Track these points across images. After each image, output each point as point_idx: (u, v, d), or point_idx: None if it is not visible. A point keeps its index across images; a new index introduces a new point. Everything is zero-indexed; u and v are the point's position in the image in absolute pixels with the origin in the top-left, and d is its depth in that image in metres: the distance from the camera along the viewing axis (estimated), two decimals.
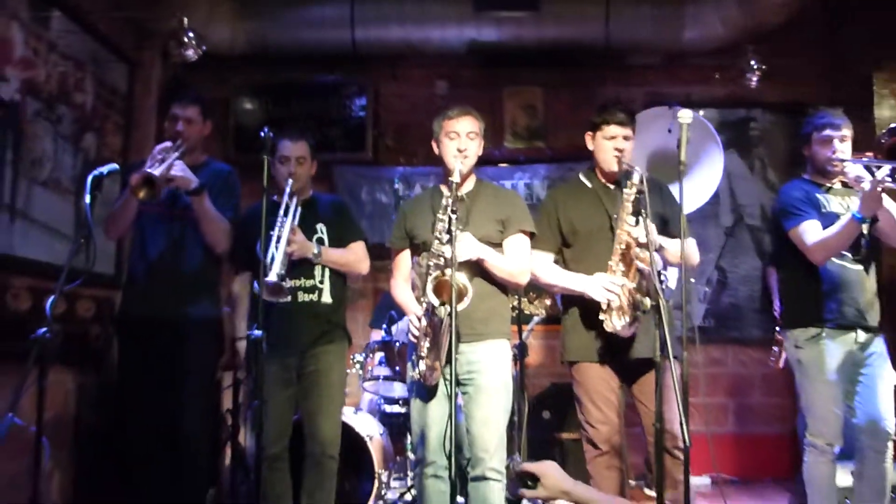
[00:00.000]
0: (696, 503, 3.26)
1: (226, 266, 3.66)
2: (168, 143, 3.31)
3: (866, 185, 3.08)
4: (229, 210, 3.46)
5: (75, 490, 4.31)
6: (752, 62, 5.20)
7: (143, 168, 3.12)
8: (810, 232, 3.27)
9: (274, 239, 3.17)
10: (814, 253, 3.27)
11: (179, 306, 3.39)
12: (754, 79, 5.23)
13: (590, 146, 3.31)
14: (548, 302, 5.44)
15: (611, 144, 3.18)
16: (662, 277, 2.85)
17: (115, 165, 3.01)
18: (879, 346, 3.34)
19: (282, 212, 3.27)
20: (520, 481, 2.01)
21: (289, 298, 3.14)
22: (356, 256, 3.51)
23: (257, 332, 2.55)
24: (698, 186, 4.36)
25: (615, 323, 2.99)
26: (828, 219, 3.28)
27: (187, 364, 3.37)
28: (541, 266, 3.27)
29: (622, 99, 5.52)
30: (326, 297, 3.43)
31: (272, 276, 3.03)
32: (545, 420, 5.07)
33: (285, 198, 3.31)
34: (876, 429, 3.27)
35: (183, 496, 3.39)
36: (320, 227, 3.48)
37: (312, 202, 3.54)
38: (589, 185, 3.32)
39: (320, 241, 3.45)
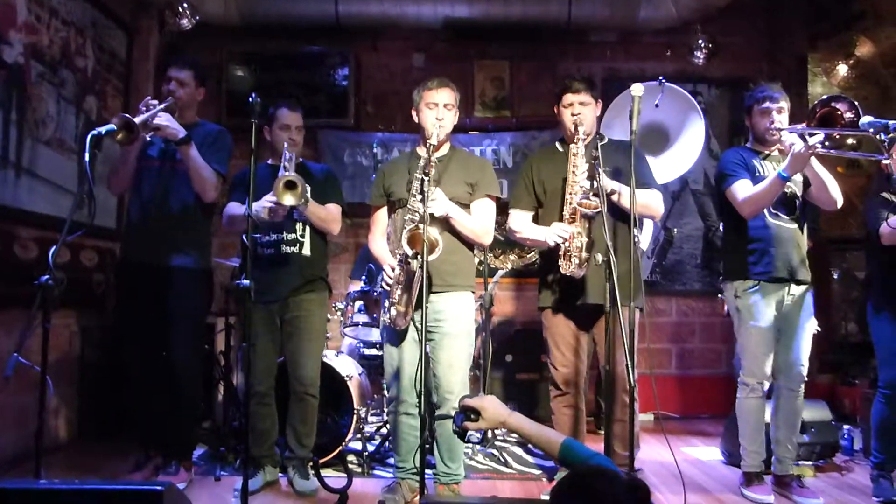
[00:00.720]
0: (639, 437, 3.32)
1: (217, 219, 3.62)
2: (156, 101, 3.23)
3: (796, 147, 3.10)
4: (218, 163, 3.39)
5: (80, 422, 4.31)
6: (700, 41, 5.19)
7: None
8: (741, 190, 3.31)
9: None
10: (743, 207, 3.31)
11: (170, 254, 3.35)
12: (702, 56, 5.22)
13: (557, 117, 3.34)
14: (512, 257, 5.47)
15: (568, 111, 3.21)
16: (636, 238, 2.87)
17: (112, 125, 2.95)
18: (807, 298, 3.41)
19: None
20: (464, 415, 2.03)
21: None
22: (332, 216, 3.47)
23: (245, 282, 2.53)
24: (685, 151, 4.38)
25: (567, 266, 3.02)
26: (760, 182, 3.31)
27: (177, 308, 3.34)
28: (516, 222, 3.34)
29: (580, 71, 5.53)
30: (307, 250, 3.41)
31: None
32: (508, 363, 5.13)
33: (283, 162, 3.25)
34: (792, 371, 3.37)
35: (178, 429, 3.40)
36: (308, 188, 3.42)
37: (303, 167, 3.49)
38: (560, 149, 3.35)
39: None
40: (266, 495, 3.30)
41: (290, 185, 3.09)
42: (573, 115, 3.18)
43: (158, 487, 1.91)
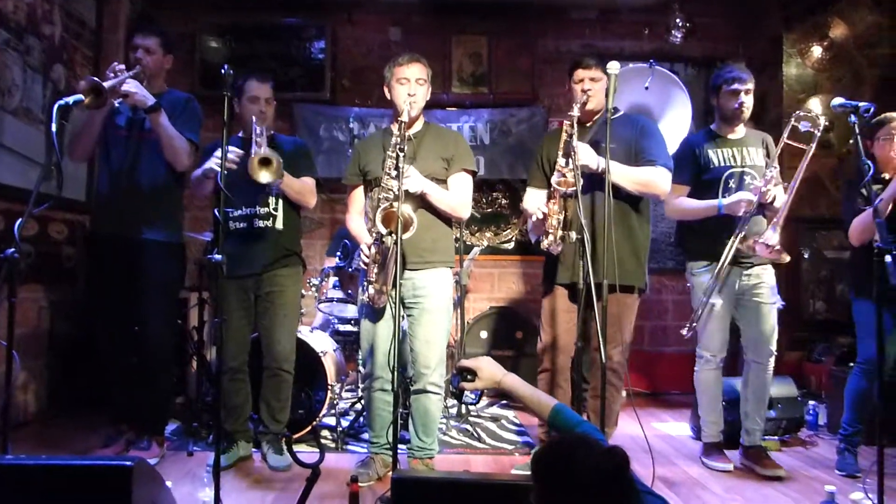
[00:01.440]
0: (618, 416, 3.36)
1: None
2: (123, 66, 3.16)
3: (745, 195, 3.27)
4: (190, 132, 3.33)
5: (49, 397, 4.26)
6: (678, 20, 5.19)
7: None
8: (675, 196, 3.42)
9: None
10: (667, 209, 3.51)
11: (141, 227, 3.30)
12: (679, 35, 5.22)
13: (568, 93, 3.28)
14: (488, 234, 5.48)
15: (578, 87, 3.15)
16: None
17: (81, 96, 2.87)
18: (768, 276, 3.47)
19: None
20: (460, 376, 2.07)
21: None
22: (308, 188, 3.43)
23: (217, 257, 2.49)
24: (672, 130, 4.38)
25: (545, 241, 3.01)
26: (711, 173, 3.42)
27: (149, 282, 3.30)
28: (526, 198, 3.37)
29: (560, 49, 5.50)
30: (279, 224, 3.37)
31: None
32: (482, 339, 5.16)
33: (255, 136, 3.20)
34: (758, 346, 3.45)
35: (150, 404, 3.37)
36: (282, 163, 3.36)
37: (273, 140, 3.43)
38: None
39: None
40: (239, 470, 3.29)
41: (265, 162, 3.05)
42: (584, 90, 3.11)
43: (128, 463, 1.90)
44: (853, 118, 2.69)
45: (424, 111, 3.24)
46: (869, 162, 2.72)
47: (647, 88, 4.12)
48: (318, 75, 5.48)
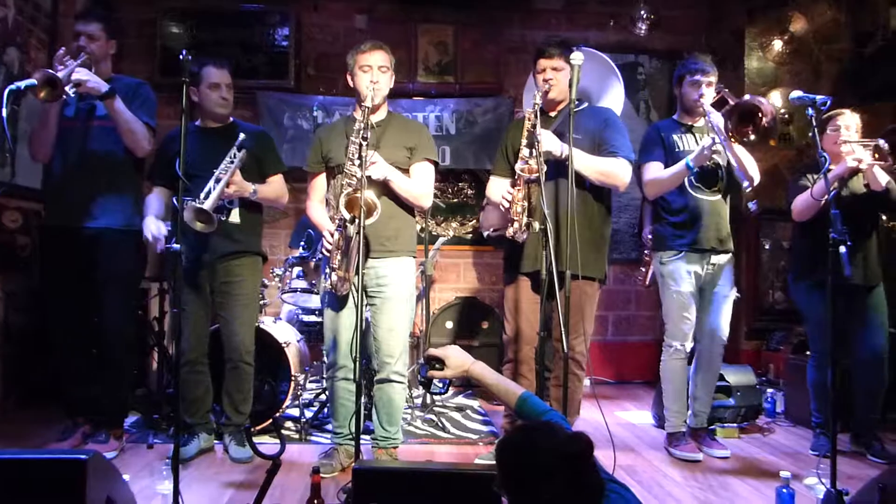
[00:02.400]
0: (580, 404, 3.39)
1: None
2: (68, 56, 3.07)
3: (706, 141, 3.26)
4: (146, 116, 3.27)
5: (4, 389, 4.14)
6: (642, 12, 5.21)
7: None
8: (649, 171, 3.46)
9: (214, 178, 3.08)
10: (647, 188, 3.49)
11: (97, 216, 3.23)
12: (643, 27, 5.26)
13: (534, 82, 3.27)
14: (454, 224, 5.47)
15: (540, 77, 3.14)
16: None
17: (33, 80, 2.80)
18: (728, 266, 3.53)
19: (227, 159, 3.15)
20: (428, 365, 2.07)
21: (213, 228, 3.02)
22: (279, 191, 3.43)
23: (175, 246, 2.44)
24: None
25: (510, 229, 3.00)
26: (678, 156, 3.43)
27: (107, 271, 3.23)
28: (490, 187, 3.35)
29: (526, 39, 5.50)
30: (235, 218, 3.31)
31: (207, 205, 2.94)
32: (448, 329, 5.16)
33: (234, 150, 3.17)
34: (713, 336, 3.52)
35: (108, 396, 3.31)
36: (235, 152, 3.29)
37: (233, 128, 3.37)
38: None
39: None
40: (200, 463, 3.25)
41: (201, 217, 2.99)
42: (545, 80, 3.10)
43: (82, 456, 1.86)
44: (810, 111, 2.75)
45: (390, 100, 3.22)
46: (825, 154, 2.77)
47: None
48: (281, 63, 5.40)
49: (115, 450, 3.25)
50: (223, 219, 3.26)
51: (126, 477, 2.44)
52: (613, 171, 3.10)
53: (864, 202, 3.44)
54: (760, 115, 3.15)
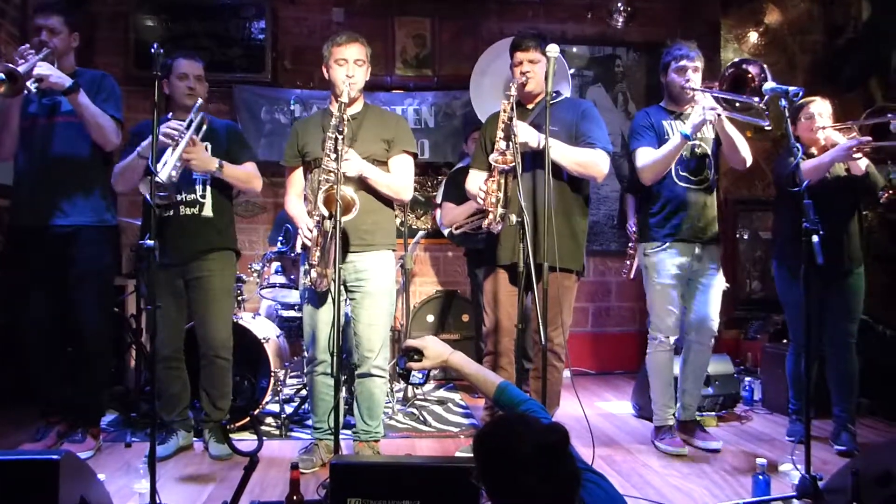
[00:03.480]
0: (559, 396, 3.39)
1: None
2: (32, 50, 3.00)
3: (697, 109, 3.20)
4: (112, 109, 3.22)
5: None
6: (619, 4, 5.23)
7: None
8: (642, 156, 3.39)
9: (171, 148, 2.98)
10: (643, 173, 3.40)
11: (67, 213, 3.18)
12: (620, 19, 5.27)
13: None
14: (433, 219, 5.45)
15: (517, 70, 3.12)
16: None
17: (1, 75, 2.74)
18: (715, 257, 3.53)
19: (185, 125, 3.06)
20: (406, 357, 2.07)
21: (172, 200, 2.97)
22: (251, 174, 3.34)
23: (149, 242, 2.41)
24: None
25: (486, 221, 3.00)
26: (666, 142, 3.37)
27: (80, 268, 3.19)
28: (469, 180, 3.29)
29: (504, 32, 5.48)
30: (208, 211, 3.27)
31: (162, 175, 2.84)
32: (429, 322, 5.16)
33: (192, 115, 3.10)
34: (703, 327, 3.50)
35: (84, 395, 3.27)
36: (207, 145, 3.24)
37: (205, 123, 3.32)
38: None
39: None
40: (179, 460, 3.23)
41: (159, 189, 2.92)
42: (522, 73, 3.08)
43: (54, 457, 1.84)
44: (783, 102, 2.76)
45: (368, 93, 3.21)
46: (798, 144, 2.80)
47: None
48: (258, 56, 5.36)
49: (92, 449, 3.22)
50: (196, 213, 3.23)
51: (102, 476, 2.42)
52: (591, 161, 3.08)
53: (845, 186, 3.45)
54: (749, 76, 3.12)
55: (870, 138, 3.25)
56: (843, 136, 3.36)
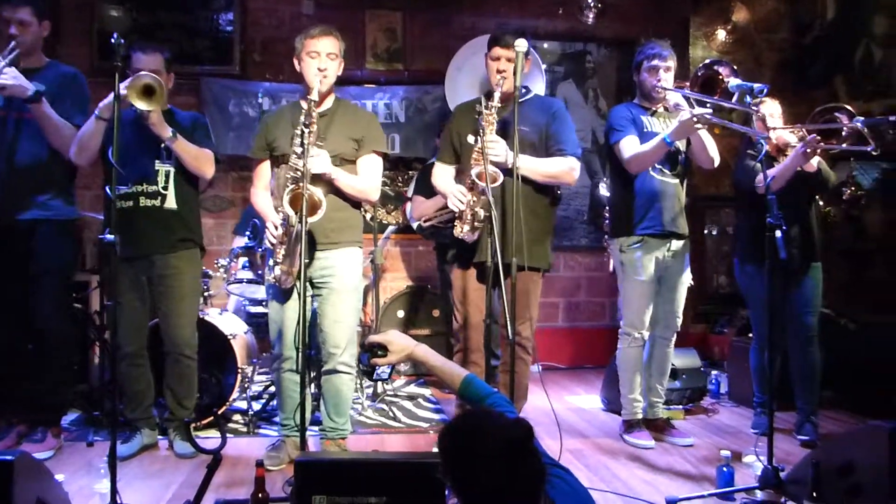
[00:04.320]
0: (527, 390, 3.40)
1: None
2: None
3: (684, 115, 3.19)
4: (78, 114, 3.14)
5: None
6: (590, 0, 5.23)
7: None
8: (628, 147, 3.37)
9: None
10: (630, 164, 3.38)
11: (27, 208, 3.11)
12: (591, 15, 5.28)
13: (486, 66, 3.19)
14: (403, 214, 5.43)
15: (494, 65, 3.08)
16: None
17: None
18: (685, 252, 3.56)
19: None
20: (370, 353, 2.05)
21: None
22: (205, 155, 3.23)
23: (110, 237, 2.37)
24: None
25: (460, 229, 2.99)
26: (648, 137, 3.38)
27: (39, 264, 3.13)
28: (436, 174, 3.27)
29: (476, 26, 5.47)
30: (171, 203, 3.20)
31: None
32: (399, 318, 5.14)
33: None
34: (669, 322, 3.55)
35: (44, 394, 3.20)
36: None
37: (169, 114, 3.27)
38: (482, 102, 3.15)
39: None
40: (143, 459, 3.18)
41: (148, 91, 2.81)
42: (499, 70, 3.04)
43: (8, 457, 1.79)
44: (748, 99, 2.80)
45: (339, 88, 3.16)
46: (763, 140, 2.83)
47: None
48: (226, 48, 5.28)
49: (52, 448, 3.15)
50: (157, 205, 3.16)
51: (61, 477, 2.38)
52: (561, 171, 3.10)
53: (799, 183, 3.50)
54: (720, 77, 3.16)
55: (818, 137, 3.29)
56: (793, 136, 3.40)
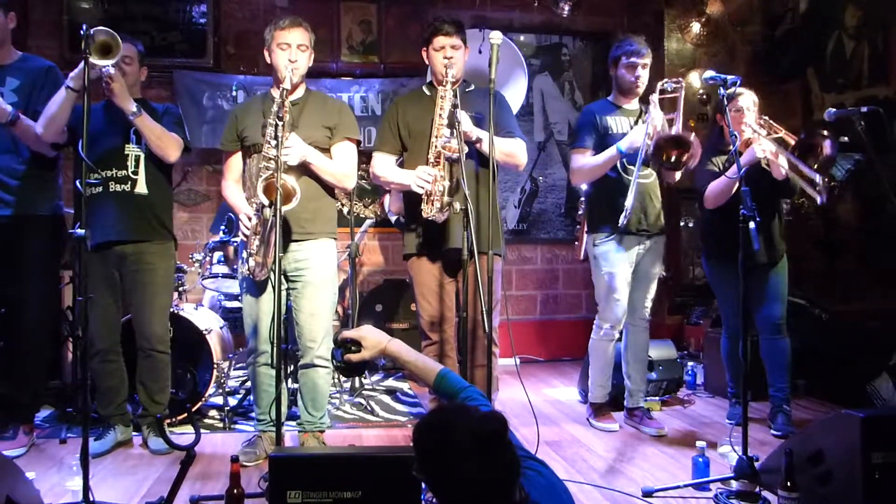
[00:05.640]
0: (498, 381, 3.39)
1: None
2: None
3: (637, 131, 3.32)
4: None
5: None
6: None
7: None
8: (577, 159, 3.50)
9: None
10: (573, 175, 3.56)
11: (7, 202, 3.07)
12: (566, 7, 5.28)
13: (426, 60, 3.19)
14: (380, 207, 5.40)
15: (440, 55, 3.08)
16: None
17: None
18: (658, 246, 3.61)
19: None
20: (344, 349, 2.02)
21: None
22: (169, 137, 3.15)
23: (80, 231, 2.32)
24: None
25: (429, 209, 2.95)
26: (612, 140, 3.45)
27: (22, 259, 3.08)
28: (379, 165, 3.19)
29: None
30: (141, 188, 3.15)
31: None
32: (378, 312, 5.11)
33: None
34: (638, 311, 3.63)
35: (15, 390, 3.15)
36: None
37: (143, 104, 3.21)
38: (427, 93, 3.22)
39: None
40: (117, 456, 3.13)
41: (105, 49, 2.69)
42: (445, 58, 3.05)
43: None
44: (722, 91, 2.82)
45: (314, 80, 3.15)
46: (736, 133, 2.85)
47: (480, 52, 4.08)
48: (199, 41, 5.21)
49: (24, 446, 3.10)
50: (127, 190, 3.12)
51: (32, 475, 2.35)
52: (515, 151, 3.14)
53: (766, 185, 3.51)
54: (688, 153, 3.22)
55: (773, 149, 3.30)
56: (771, 143, 3.39)
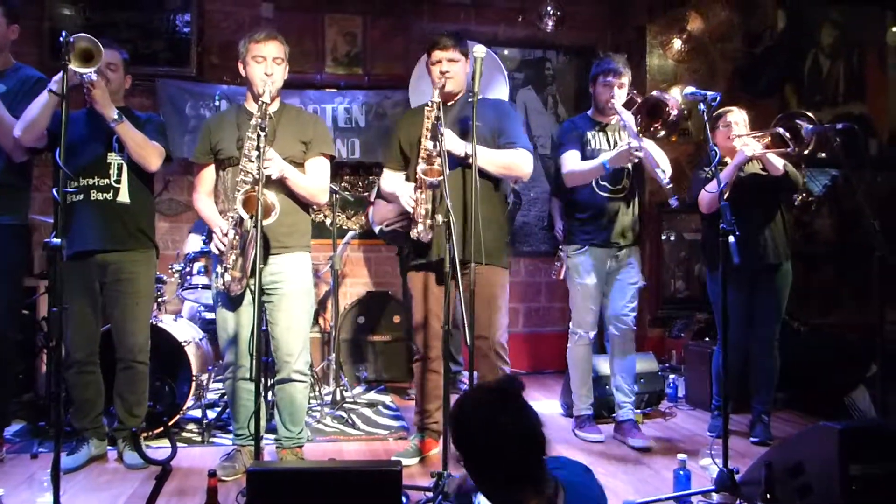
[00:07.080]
0: None
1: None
2: None
3: (621, 146, 3.33)
4: None
5: None
6: (549, 8, 5.27)
7: None
8: (567, 163, 3.52)
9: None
10: (566, 178, 3.54)
11: None
12: (550, 23, 5.32)
13: (428, 73, 3.20)
14: (363, 219, 5.39)
15: (436, 68, 3.08)
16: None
17: None
18: (635, 257, 3.66)
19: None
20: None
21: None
22: (151, 146, 3.12)
23: (56, 241, 2.28)
24: None
25: (415, 230, 2.98)
26: (591, 154, 3.53)
27: None
28: (384, 181, 3.26)
29: (436, 32, 5.45)
30: (123, 197, 3.12)
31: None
32: (360, 324, 5.08)
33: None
34: (620, 320, 3.65)
35: None
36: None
37: (126, 112, 3.17)
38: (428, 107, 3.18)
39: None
40: (91, 471, 3.07)
41: (87, 56, 2.67)
42: (442, 72, 3.05)
43: None
44: (702, 107, 2.85)
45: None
46: (716, 148, 2.88)
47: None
48: (183, 50, 5.17)
49: None
50: (109, 198, 3.08)
51: (0, 491, 2.29)
52: (516, 162, 3.11)
53: (765, 184, 3.55)
54: (667, 108, 3.31)
55: (760, 146, 3.39)
56: (757, 143, 3.46)
